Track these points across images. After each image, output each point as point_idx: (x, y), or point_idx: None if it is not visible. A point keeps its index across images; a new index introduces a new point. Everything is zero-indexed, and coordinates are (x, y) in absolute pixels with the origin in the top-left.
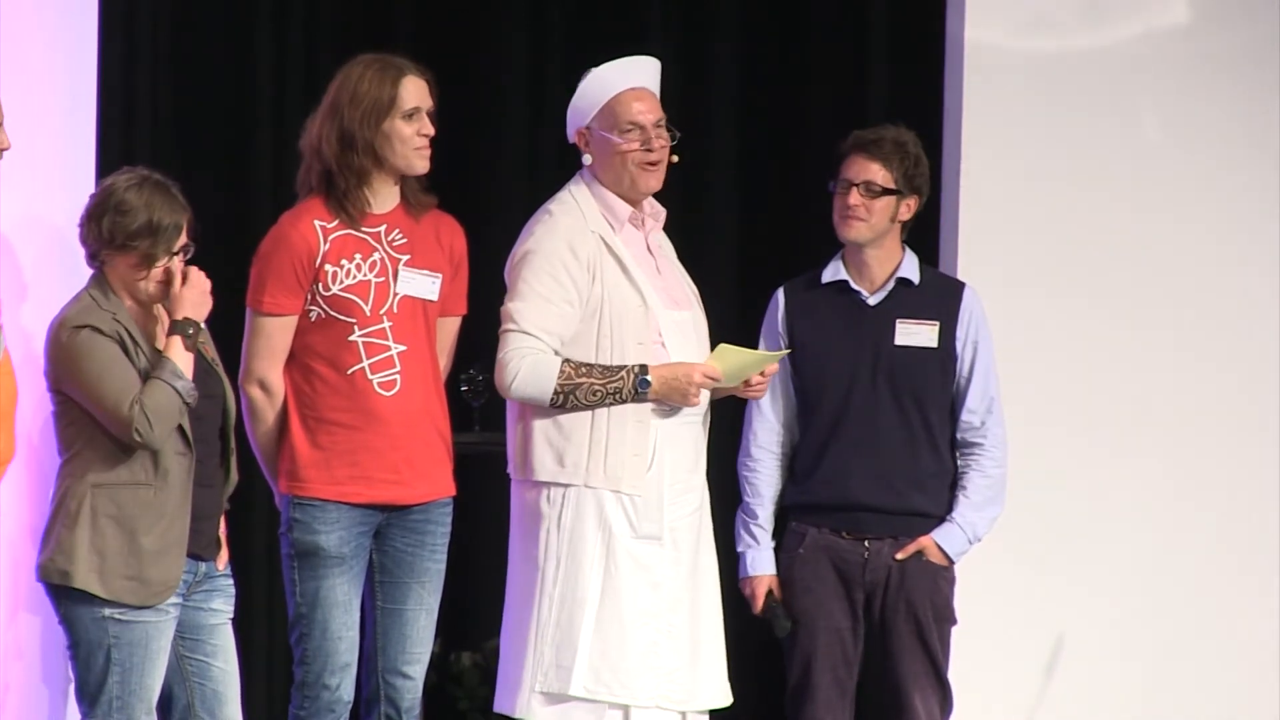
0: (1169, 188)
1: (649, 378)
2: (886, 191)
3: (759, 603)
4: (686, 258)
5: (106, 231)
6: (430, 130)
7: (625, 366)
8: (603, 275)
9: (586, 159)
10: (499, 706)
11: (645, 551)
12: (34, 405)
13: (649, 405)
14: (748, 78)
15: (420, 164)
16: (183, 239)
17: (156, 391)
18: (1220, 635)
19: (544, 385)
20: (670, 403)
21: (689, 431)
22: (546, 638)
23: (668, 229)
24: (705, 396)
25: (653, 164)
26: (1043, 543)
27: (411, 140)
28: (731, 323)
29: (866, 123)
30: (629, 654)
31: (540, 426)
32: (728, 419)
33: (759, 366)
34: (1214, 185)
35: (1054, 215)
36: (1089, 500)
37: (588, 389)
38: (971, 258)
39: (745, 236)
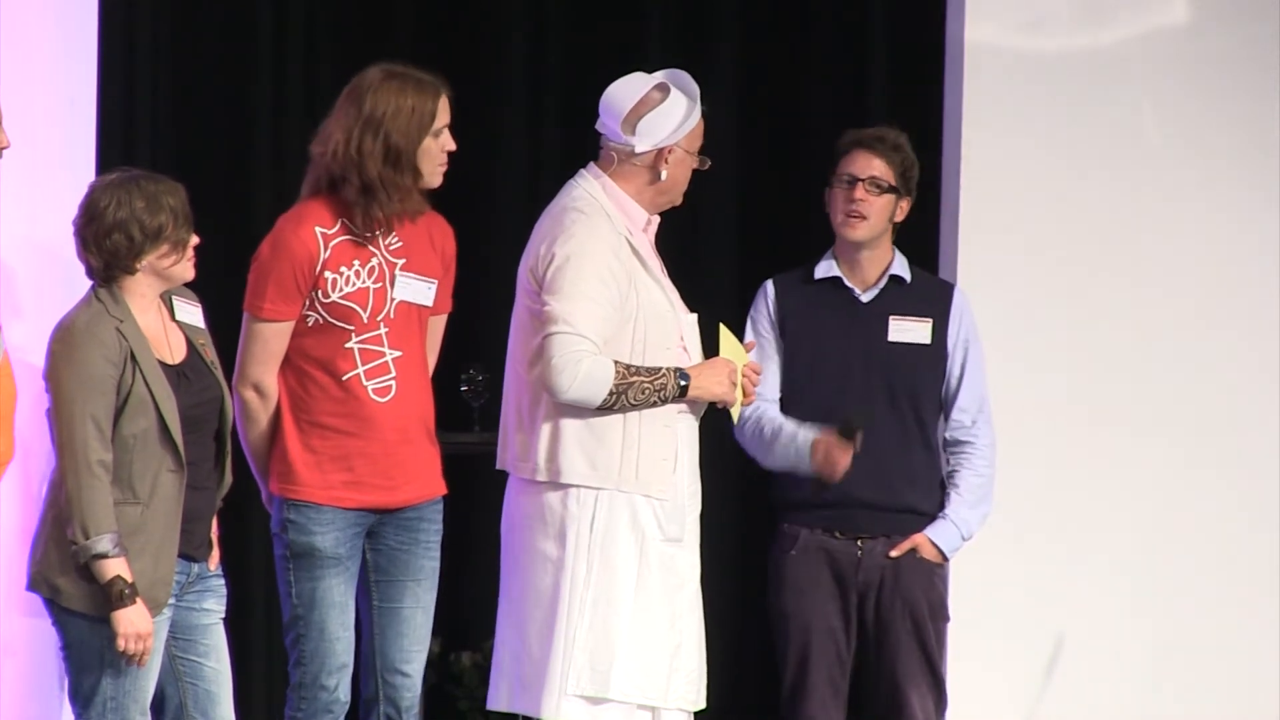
0: (1169, 187)
1: (687, 378)
2: (890, 189)
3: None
4: (685, 258)
5: (123, 245)
6: (452, 146)
7: (664, 368)
8: (635, 279)
9: (664, 174)
10: (517, 706)
11: (671, 554)
12: (33, 406)
13: (674, 409)
14: (748, 78)
15: (439, 179)
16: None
17: (97, 502)
18: (1220, 634)
19: (600, 388)
20: (702, 399)
21: (696, 436)
22: (578, 640)
23: (667, 229)
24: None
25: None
26: (1042, 541)
27: (437, 156)
28: (729, 322)
29: (867, 123)
30: (660, 656)
31: (571, 429)
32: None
33: (739, 358)
34: (1214, 185)
35: (1054, 215)
36: (1088, 498)
37: (638, 388)
38: (971, 258)
39: (743, 237)
